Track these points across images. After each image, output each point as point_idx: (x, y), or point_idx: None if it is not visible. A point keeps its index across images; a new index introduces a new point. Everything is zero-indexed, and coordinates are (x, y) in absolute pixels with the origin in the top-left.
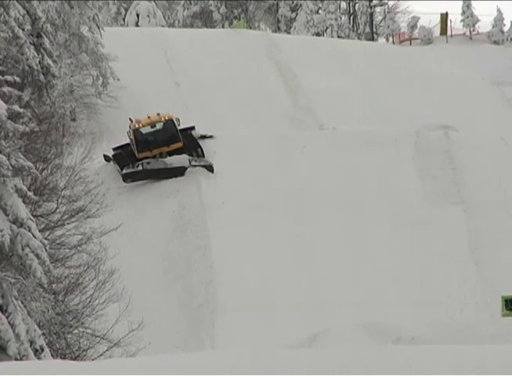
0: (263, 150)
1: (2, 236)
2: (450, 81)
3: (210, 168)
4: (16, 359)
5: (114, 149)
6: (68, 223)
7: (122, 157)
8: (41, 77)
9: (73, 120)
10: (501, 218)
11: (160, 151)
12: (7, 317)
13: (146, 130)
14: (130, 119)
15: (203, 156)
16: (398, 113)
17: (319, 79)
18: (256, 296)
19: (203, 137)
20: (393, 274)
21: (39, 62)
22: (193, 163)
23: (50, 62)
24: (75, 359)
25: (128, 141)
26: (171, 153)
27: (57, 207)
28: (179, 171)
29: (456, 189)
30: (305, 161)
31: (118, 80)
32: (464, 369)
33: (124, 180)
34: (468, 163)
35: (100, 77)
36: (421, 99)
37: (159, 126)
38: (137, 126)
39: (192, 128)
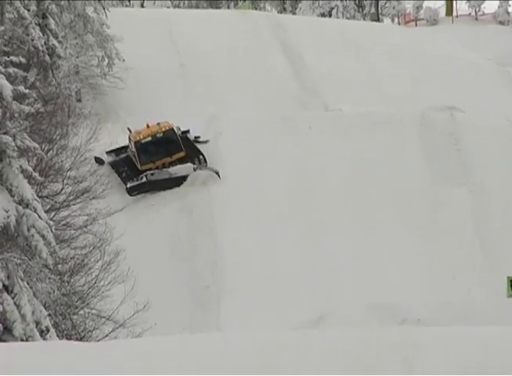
0: (268, 130)
1: (8, 217)
2: (456, 62)
3: (217, 174)
4: (22, 340)
5: (108, 153)
6: (74, 204)
7: (120, 165)
8: (47, 58)
9: (79, 101)
10: (507, 199)
11: (162, 162)
12: (13, 298)
13: (146, 141)
14: (128, 129)
15: (206, 162)
16: (403, 94)
17: (325, 60)
18: (261, 277)
19: (197, 140)
20: (399, 256)
21: (44, 43)
22: (198, 171)
23: (55, 43)
24: (81, 339)
25: (120, 145)
26: (173, 163)
27: (62, 188)
28: (184, 180)
29: (462, 170)
30: (310, 142)
31: (123, 61)
32: (469, 350)
33: (129, 194)
34: (474, 144)
35: (106, 58)
36: (427, 80)
37: (160, 136)
38: (138, 138)
39: (187, 131)
